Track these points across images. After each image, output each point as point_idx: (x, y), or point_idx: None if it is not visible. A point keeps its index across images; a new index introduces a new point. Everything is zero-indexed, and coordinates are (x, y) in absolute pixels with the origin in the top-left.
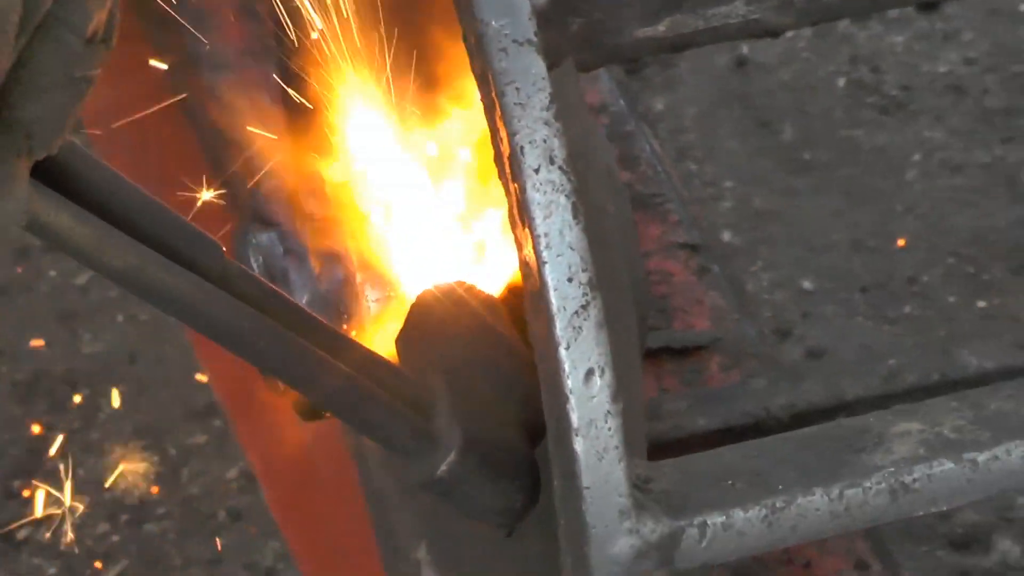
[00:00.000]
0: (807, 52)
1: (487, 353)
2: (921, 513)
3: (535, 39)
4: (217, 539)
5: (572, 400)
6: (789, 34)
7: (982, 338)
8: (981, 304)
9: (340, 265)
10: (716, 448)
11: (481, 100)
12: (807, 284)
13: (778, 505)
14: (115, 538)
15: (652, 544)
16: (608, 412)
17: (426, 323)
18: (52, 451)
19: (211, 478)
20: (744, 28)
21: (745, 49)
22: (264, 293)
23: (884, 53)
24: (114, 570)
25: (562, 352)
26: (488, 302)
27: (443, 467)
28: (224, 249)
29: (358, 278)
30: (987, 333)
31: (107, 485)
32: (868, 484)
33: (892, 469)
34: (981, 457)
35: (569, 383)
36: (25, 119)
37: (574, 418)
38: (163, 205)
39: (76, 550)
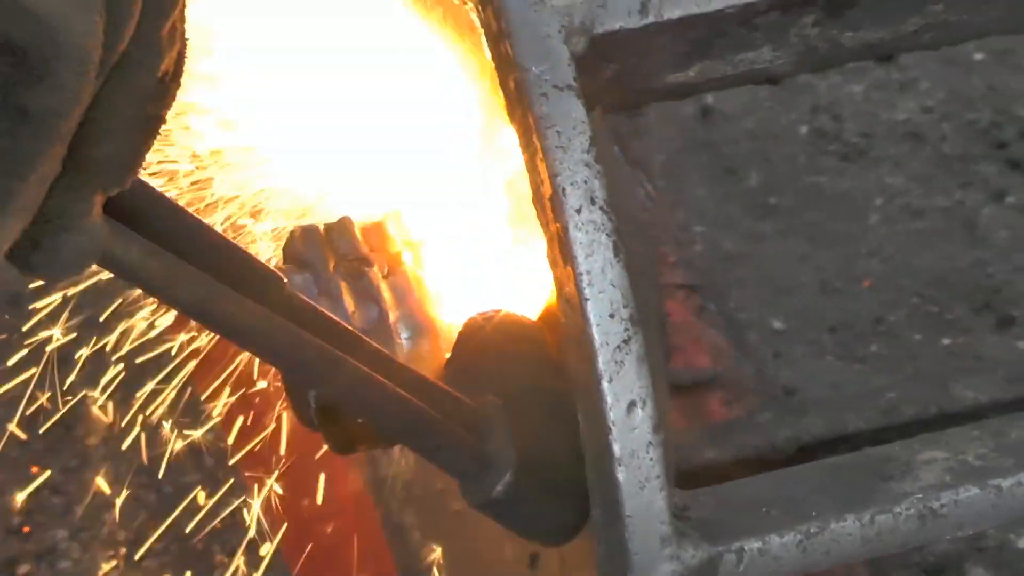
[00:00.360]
0: (769, 102)
1: (536, 376)
2: (948, 537)
3: (575, 84)
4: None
5: (614, 431)
6: (752, 86)
7: (976, 372)
8: (946, 342)
9: (374, 304)
10: (743, 478)
11: (519, 144)
12: (777, 324)
13: (812, 531)
14: (114, 575)
15: (692, 569)
16: (650, 443)
17: (475, 349)
18: (48, 490)
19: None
20: (764, 72)
21: (710, 99)
22: (325, 322)
23: (844, 102)
24: None
25: (605, 385)
26: (533, 328)
27: (499, 487)
28: (285, 280)
29: (391, 316)
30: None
31: (104, 520)
32: (898, 510)
33: (920, 495)
34: (1005, 483)
35: (611, 415)
36: (100, 157)
37: (616, 448)
38: (226, 238)
39: None
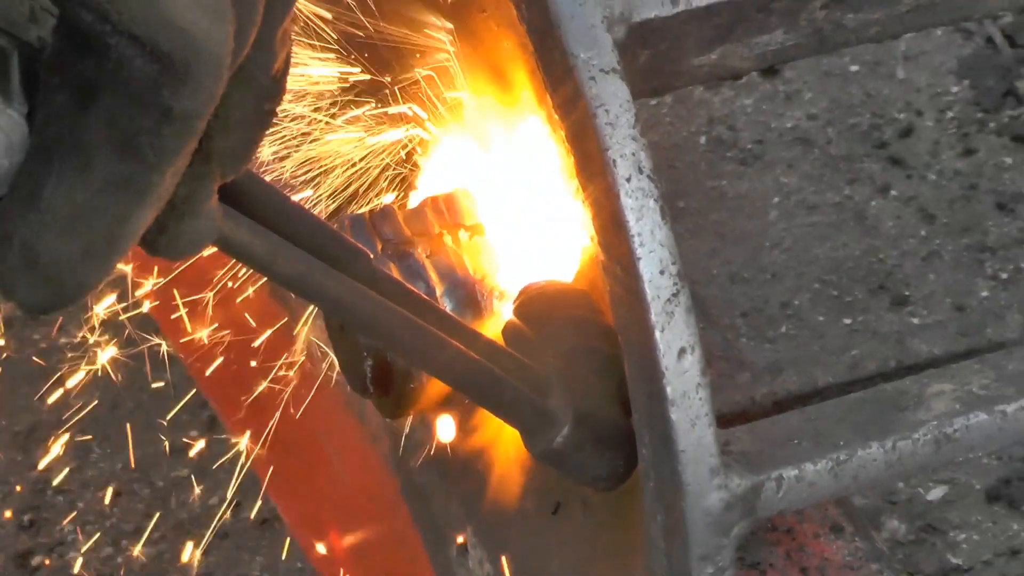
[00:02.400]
0: (669, 117)
1: (587, 339)
2: (961, 459)
3: (619, 68)
4: (208, 557)
5: (667, 376)
6: (652, 102)
7: (931, 328)
8: (847, 321)
9: (421, 282)
10: (774, 416)
11: (561, 124)
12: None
13: (841, 458)
14: (119, 560)
15: (738, 496)
16: (699, 384)
17: (531, 315)
18: (53, 490)
19: (196, 505)
20: (780, 54)
21: None
22: (406, 294)
23: (737, 114)
24: None
25: (657, 335)
26: (582, 295)
27: (558, 440)
28: (372, 257)
29: (437, 291)
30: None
31: (106, 514)
32: (916, 436)
33: (935, 423)
34: (1010, 408)
35: (664, 361)
36: (223, 148)
37: (669, 391)
38: (318, 218)
39: (85, 572)
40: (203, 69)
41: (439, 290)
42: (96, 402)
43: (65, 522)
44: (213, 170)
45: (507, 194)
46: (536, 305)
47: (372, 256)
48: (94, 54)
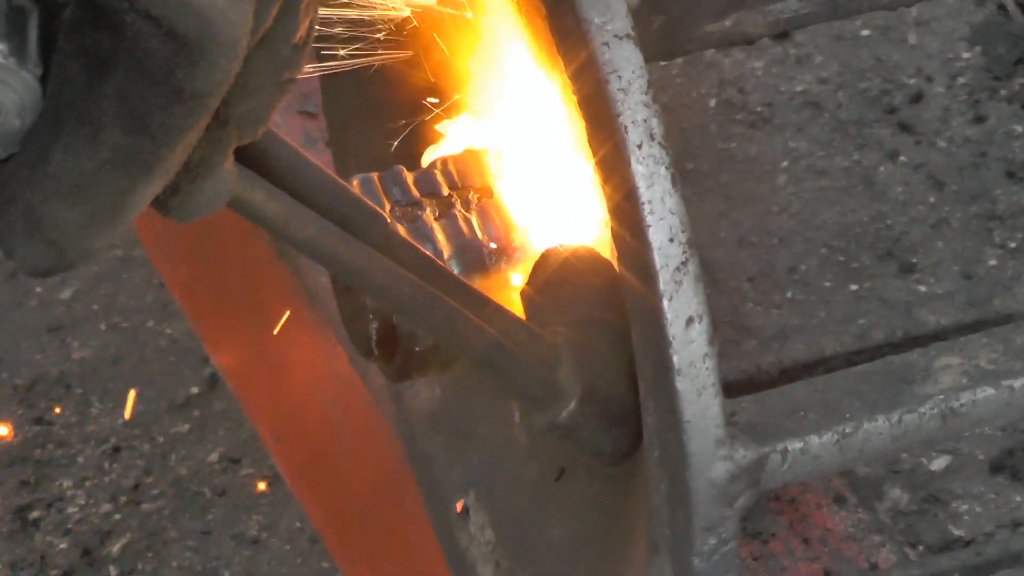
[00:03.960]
0: (680, 78)
1: (603, 309)
2: (967, 433)
3: (633, 33)
4: (206, 514)
5: (674, 344)
6: (663, 63)
7: (939, 298)
8: (853, 287)
9: (429, 244)
10: (780, 387)
11: (573, 89)
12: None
13: (847, 431)
14: (117, 516)
15: (743, 468)
16: (706, 354)
17: (548, 281)
18: (53, 444)
19: (196, 461)
20: (794, 20)
21: None
22: (420, 258)
23: (747, 76)
24: (118, 544)
25: (665, 303)
26: (603, 262)
27: (564, 414)
28: (388, 220)
29: (444, 254)
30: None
31: (105, 469)
32: (922, 410)
33: (942, 397)
34: (1016, 383)
35: (671, 330)
36: (238, 114)
37: (676, 360)
38: (337, 179)
39: (83, 528)
40: (218, 51)
41: (446, 253)
42: (97, 356)
43: (64, 477)
44: (229, 134)
45: (518, 156)
46: (550, 272)
47: (387, 219)
48: (111, 27)
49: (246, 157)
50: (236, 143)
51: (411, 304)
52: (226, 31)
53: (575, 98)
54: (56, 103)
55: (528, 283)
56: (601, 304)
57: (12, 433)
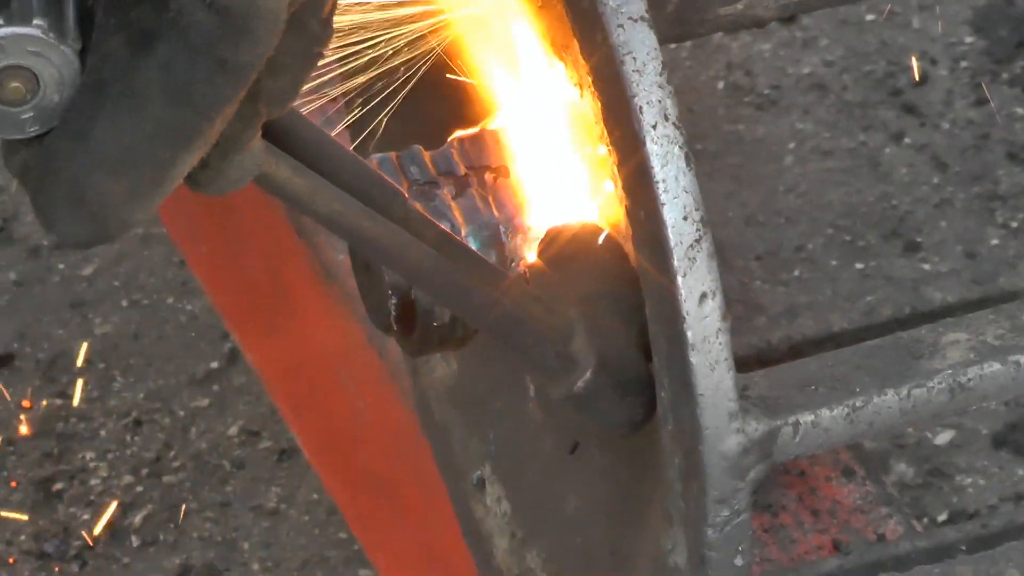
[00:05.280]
0: (689, 61)
1: (612, 283)
2: (974, 407)
3: (647, 16)
4: (226, 486)
5: (688, 320)
6: (672, 46)
7: (944, 276)
8: (859, 266)
9: (447, 221)
10: (791, 361)
11: (588, 70)
12: None
13: (857, 405)
14: (139, 488)
15: (755, 441)
16: (719, 329)
17: (557, 256)
18: (75, 418)
19: (216, 435)
20: (803, 5)
21: None
22: (438, 233)
23: (755, 59)
24: (140, 515)
25: (679, 280)
26: (610, 237)
27: (580, 384)
28: (407, 196)
29: (462, 232)
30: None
31: (127, 443)
32: (931, 384)
33: (950, 371)
34: (1023, 359)
35: (685, 306)
36: (268, 89)
37: (690, 335)
38: (358, 157)
39: (106, 499)
40: (261, 24)
41: (463, 232)
42: (119, 332)
43: (87, 450)
44: (259, 110)
45: (534, 135)
46: (561, 247)
47: (406, 195)
48: (154, 1)
49: (272, 135)
50: (265, 118)
51: (430, 276)
52: (268, 4)
53: (590, 79)
54: (98, 77)
55: (538, 258)
56: (611, 278)
57: (34, 406)
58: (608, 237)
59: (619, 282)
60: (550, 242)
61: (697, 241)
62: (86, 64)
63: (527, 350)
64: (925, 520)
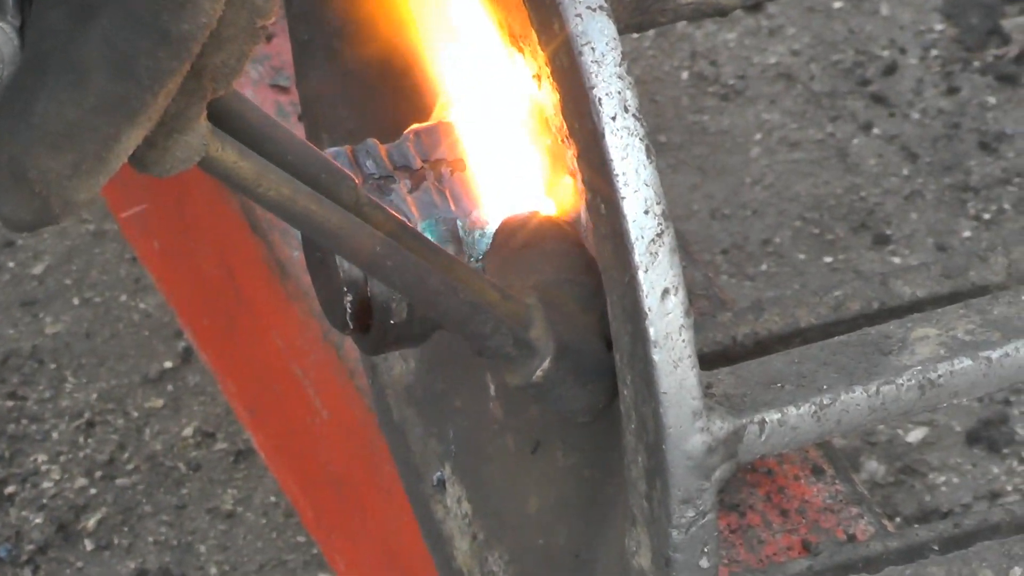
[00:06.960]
0: (652, 51)
1: (570, 271)
2: (944, 404)
3: (606, 5)
4: (181, 489)
5: (650, 316)
6: (635, 35)
7: (914, 270)
8: (828, 259)
9: (403, 216)
10: (757, 358)
11: (546, 61)
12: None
13: (825, 402)
14: (92, 491)
15: (720, 440)
16: (682, 326)
17: (513, 246)
18: (27, 419)
19: (170, 436)
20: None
21: None
22: (390, 220)
23: (719, 48)
24: (94, 518)
25: (641, 275)
26: (565, 226)
27: (539, 372)
28: (358, 182)
29: (418, 226)
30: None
31: (80, 444)
32: (900, 381)
33: (920, 368)
34: (994, 355)
35: (647, 302)
36: (211, 65)
37: (652, 332)
38: (305, 142)
39: (58, 502)
40: None
41: (420, 226)
42: (71, 331)
43: (39, 452)
44: (204, 86)
45: (491, 127)
46: (516, 237)
47: (357, 181)
48: None
49: (217, 117)
50: (211, 95)
51: (383, 262)
52: None
53: (548, 70)
54: (38, 53)
55: (493, 249)
56: (568, 266)
57: None
58: (564, 225)
59: (577, 269)
60: (507, 232)
61: (659, 236)
62: (25, 40)
63: (485, 338)
64: (897, 519)
